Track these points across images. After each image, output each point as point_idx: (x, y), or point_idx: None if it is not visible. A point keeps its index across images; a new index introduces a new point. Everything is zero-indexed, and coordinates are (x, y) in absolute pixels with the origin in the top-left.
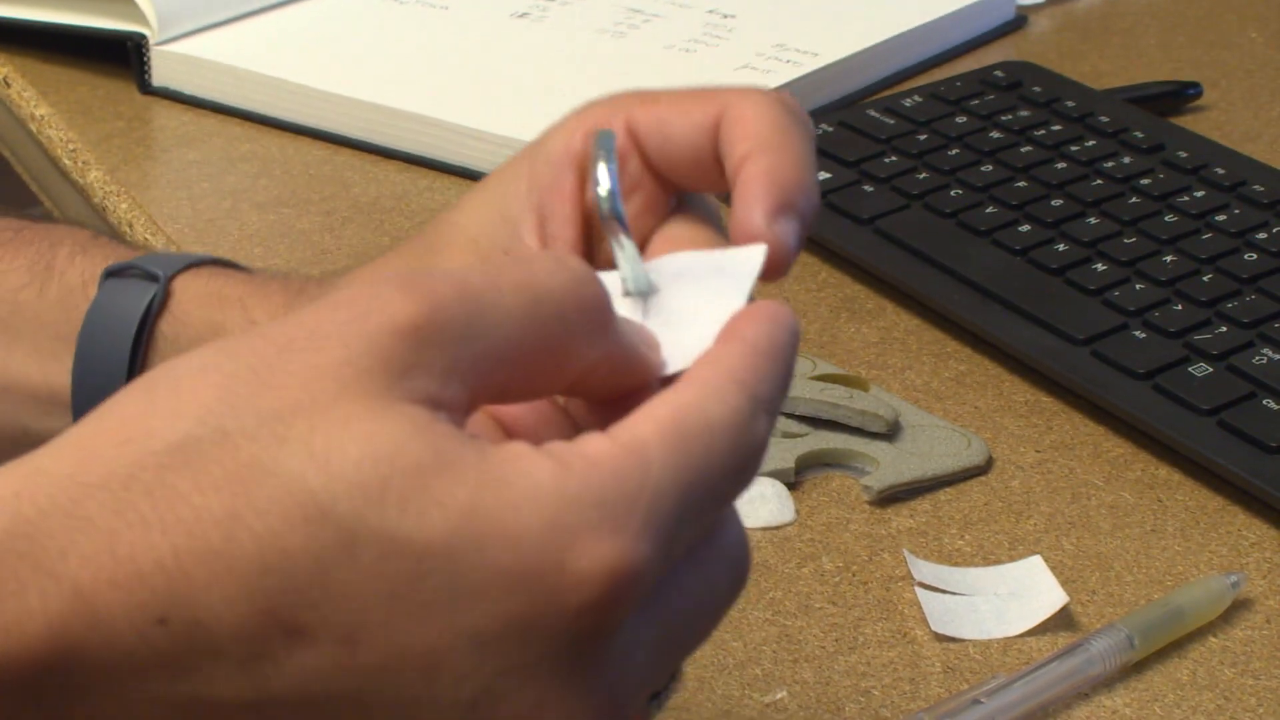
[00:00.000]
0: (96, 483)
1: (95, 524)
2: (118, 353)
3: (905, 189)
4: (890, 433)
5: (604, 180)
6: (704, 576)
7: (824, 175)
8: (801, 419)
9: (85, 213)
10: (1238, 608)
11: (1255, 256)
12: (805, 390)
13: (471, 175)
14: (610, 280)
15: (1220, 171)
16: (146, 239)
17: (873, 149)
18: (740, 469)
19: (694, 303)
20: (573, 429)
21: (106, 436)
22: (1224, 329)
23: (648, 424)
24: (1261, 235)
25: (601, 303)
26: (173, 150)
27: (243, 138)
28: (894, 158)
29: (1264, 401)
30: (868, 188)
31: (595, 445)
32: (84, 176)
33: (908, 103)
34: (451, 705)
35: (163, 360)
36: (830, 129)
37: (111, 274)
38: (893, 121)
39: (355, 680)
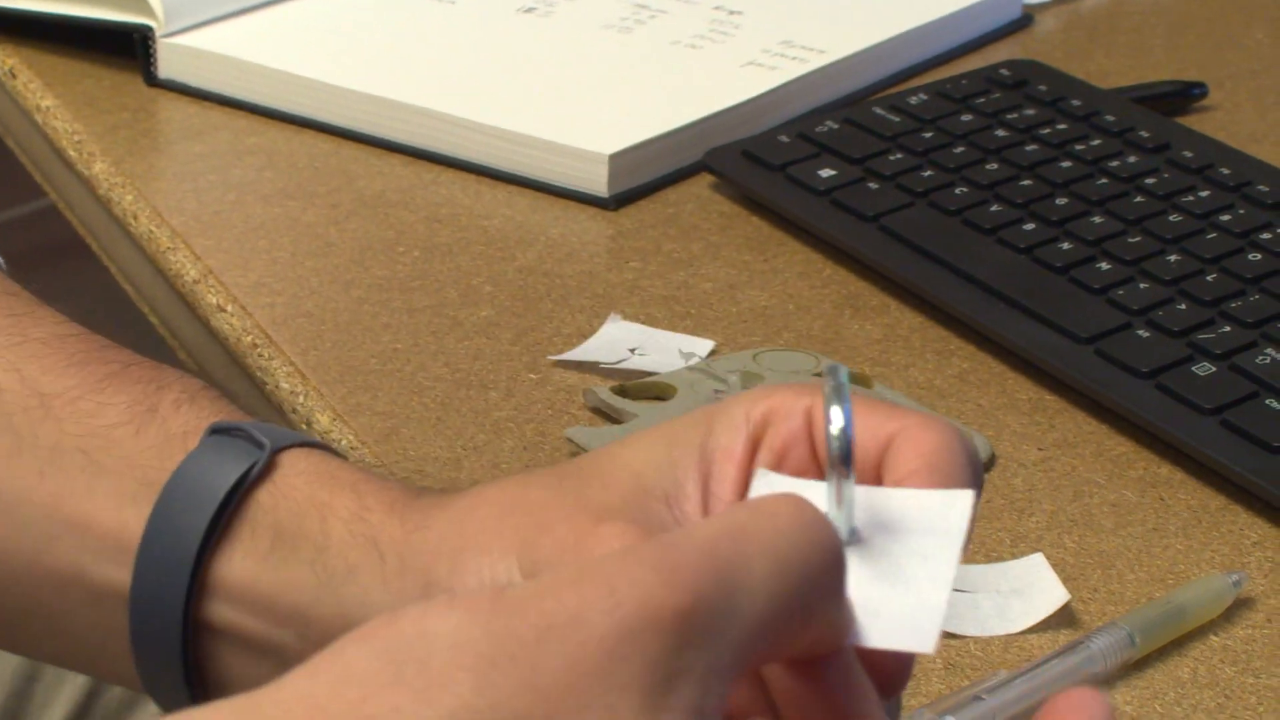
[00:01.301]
0: None
1: None
2: (201, 511)
3: (910, 186)
4: None
5: (836, 419)
6: None
7: (829, 172)
8: None
9: (90, 204)
10: (1239, 606)
11: (1259, 256)
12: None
13: (476, 170)
14: None
15: (1225, 172)
16: (151, 231)
17: (878, 146)
18: None
19: (904, 563)
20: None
21: (344, 701)
22: (1228, 328)
23: None
24: (1266, 235)
25: (840, 554)
26: (178, 143)
27: (248, 131)
28: (899, 155)
29: (1267, 401)
30: (872, 185)
31: None
32: (89, 168)
33: (913, 100)
34: None
35: (252, 532)
36: (836, 126)
37: (216, 431)
38: (898, 119)
39: None
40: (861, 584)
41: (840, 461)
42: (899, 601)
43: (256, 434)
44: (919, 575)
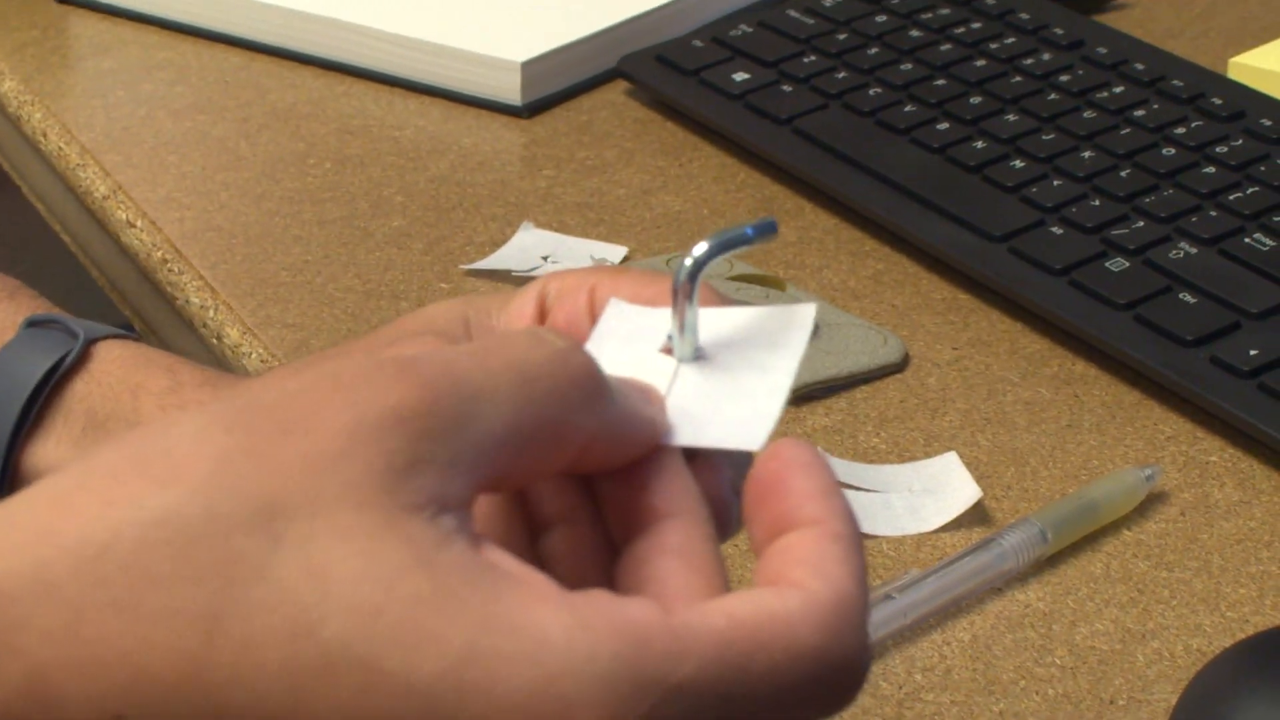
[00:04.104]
0: (70, 546)
1: (62, 595)
2: (13, 401)
3: (824, 88)
4: None
5: (698, 250)
6: None
7: (743, 76)
8: None
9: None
10: (1152, 501)
11: (1173, 151)
12: (721, 290)
13: (388, 81)
14: (627, 333)
15: (1140, 67)
16: (60, 148)
17: (792, 49)
18: (816, 705)
19: (744, 377)
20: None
21: (88, 493)
22: (1141, 224)
23: (718, 618)
24: (1180, 130)
25: (591, 371)
26: (87, 59)
27: (158, 45)
28: (813, 57)
29: (1180, 295)
30: (786, 88)
31: (639, 611)
32: None
33: (828, 2)
34: None
35: (65, 419)
36: (750, 30)
37: (33, 324)
38: (812, 21)
39: None
40: (699, 397)
41: (686, 283)
42: (733, 410)
43: (71, 325)
44: (757, 387)
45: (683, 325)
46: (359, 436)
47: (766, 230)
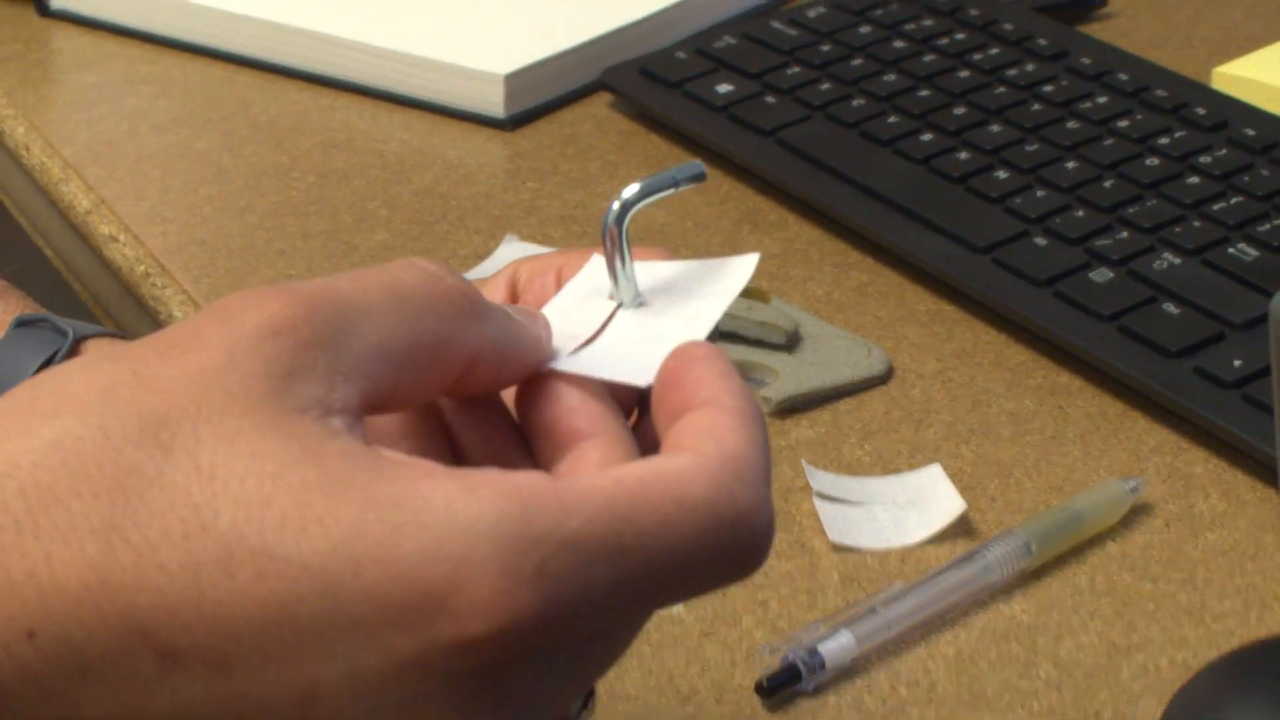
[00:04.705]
0: None
1: None
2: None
3: (808, 100)
4: (789, 343)
5: (626, 193)
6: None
7: (726, 88)
8: None
9: None
10: (1137, 513)
11: (1157, 161)
12: None
13: (372, 94)
14: (595, 284)
15: (1123, 78)
16: (43, 162)
17: (776, 60)
18: (717, 563)
19: (670, 320)
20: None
21: None
22: (1125, 234)
23: (606, 479)
24: (1164, 140)
25: (464, 290)
26: (71, 73)
27: (142, 59)
28: (797, 69)
29: (1164, 306)
30: (770, 99)
31: (526, 478)
32: None
33: (811, 14)
34: None
35: None
36: (734, 41)
37: (21, 323)
38: (796, 33)
39: (230, 709)
40: (626, 338)
41: (614, 227)
42: (647, 350)
43: (59, 324)
44: (679, 332)
45: (614, 270)
46: (236, 350)
47: (693, 175)
